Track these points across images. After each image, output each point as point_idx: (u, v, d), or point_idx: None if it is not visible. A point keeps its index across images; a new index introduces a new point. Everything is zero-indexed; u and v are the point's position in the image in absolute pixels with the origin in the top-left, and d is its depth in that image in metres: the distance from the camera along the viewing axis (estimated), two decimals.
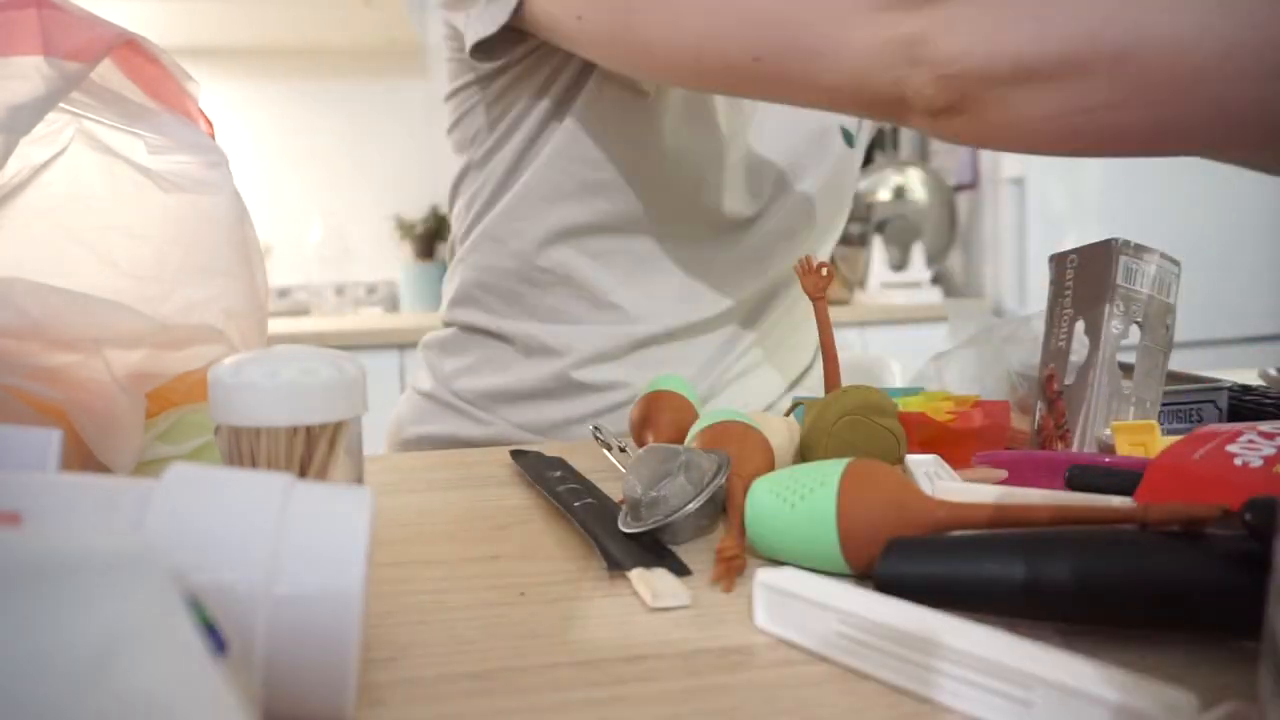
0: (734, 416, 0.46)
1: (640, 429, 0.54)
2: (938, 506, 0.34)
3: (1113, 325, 0.47)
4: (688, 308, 0.74)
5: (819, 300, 0.52)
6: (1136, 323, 0.48)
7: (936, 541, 0.32)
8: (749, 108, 0.74)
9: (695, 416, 0.54)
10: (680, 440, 0.50)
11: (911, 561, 0.31)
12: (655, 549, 0.38)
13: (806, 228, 0.77)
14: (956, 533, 0.33)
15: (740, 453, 0.43)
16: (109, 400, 0.38)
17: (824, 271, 0.52)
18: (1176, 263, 0.49)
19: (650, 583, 0.34)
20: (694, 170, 0.71)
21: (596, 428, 0.57)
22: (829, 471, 0.35)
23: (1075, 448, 0.47)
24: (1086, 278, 0.49)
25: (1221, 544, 0.28)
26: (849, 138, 0.78)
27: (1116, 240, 0.48)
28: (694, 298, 0.74)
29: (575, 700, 0.26)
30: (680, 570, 0.36)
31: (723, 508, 0.42)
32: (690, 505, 0.38)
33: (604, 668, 0.28)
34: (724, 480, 0.40)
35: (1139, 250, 0.48)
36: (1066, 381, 0.50)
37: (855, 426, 0.47)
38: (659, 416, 0.53)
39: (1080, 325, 0.49)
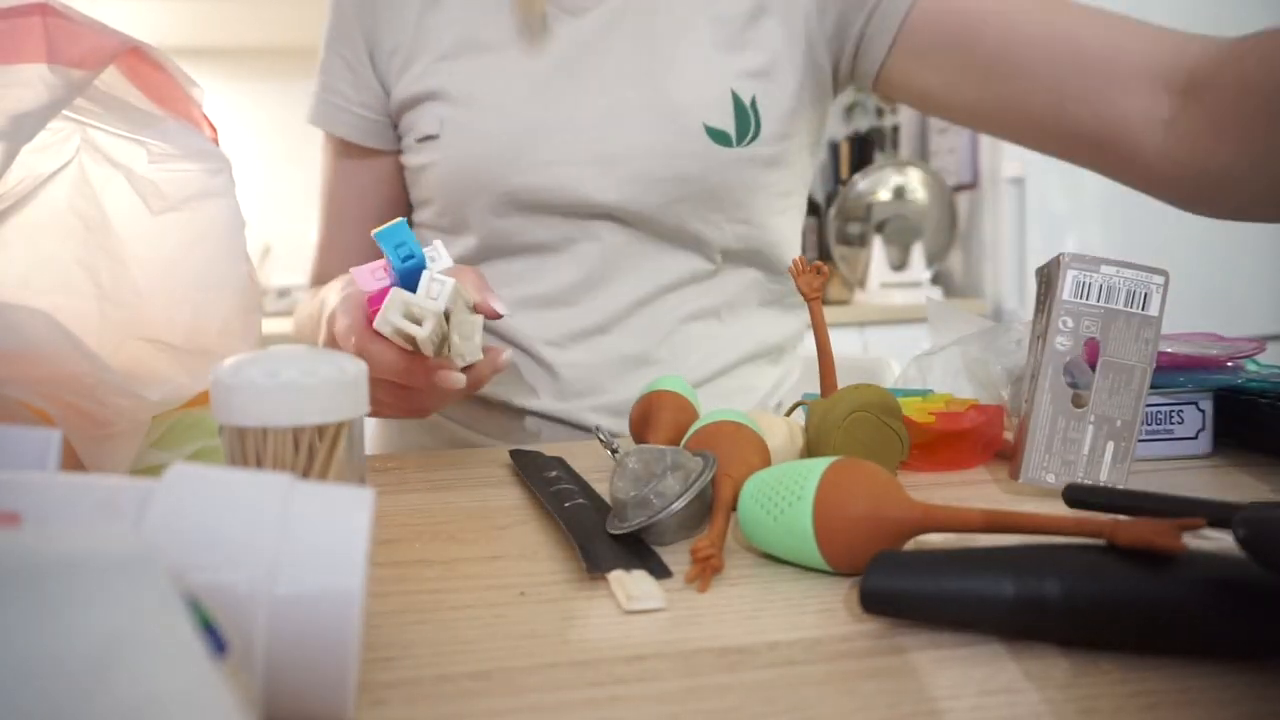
0: (731, 416, 0.46)
1: (640, 429, 0.54)
2: (912, 508, 0.34)
3: (1057, 342, 0.46)
4: (551, 316, 0.73)
5: (814, 300, 0.52)
6: (1091, 338, 0.46)
7: (924, 556, 0.31)
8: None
9: (694, 416, 0.54)
10: (679, 440, 0.50)
11: (898, 576, 0.30)
12: (640, 550, 0.38)
13: (646, 232, 0.73)
14: (944, 548, 0.33)
15: (731, 453, 0.43)
16: (104, 413, 0.38)
17: (819, 271, 0.52)
18: (1161, 272, 0.46)
19: (626, 585, 0.34)
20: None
21: (598, 428, 0.57)
22: (808, 478, 0.36)
23: (1020, 472, 0.46)
24: (1046, 293, 0.48)
25: (1211, 564, 0.28)
26: (720, 137, 0.71)
27: (1066, 254, 0.46)
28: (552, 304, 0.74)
29: (575, 700, 0.26)
30: (660, 572, 0.36)
31: (711, 508, 0.42)
32: (675, 505, 0.38)
33: (604, 668, 0.28)
34: (710, 480, 0.40)
35: (1094, 262, 0.46)
36: (1025, 399, 0.48)
37: (863, 424, 0.47)
38: (658, 416, 0.53)
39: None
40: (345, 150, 0.78)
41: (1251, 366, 0.56)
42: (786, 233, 0.79)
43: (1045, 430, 0.45)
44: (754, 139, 0.71)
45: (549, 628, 0.31)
